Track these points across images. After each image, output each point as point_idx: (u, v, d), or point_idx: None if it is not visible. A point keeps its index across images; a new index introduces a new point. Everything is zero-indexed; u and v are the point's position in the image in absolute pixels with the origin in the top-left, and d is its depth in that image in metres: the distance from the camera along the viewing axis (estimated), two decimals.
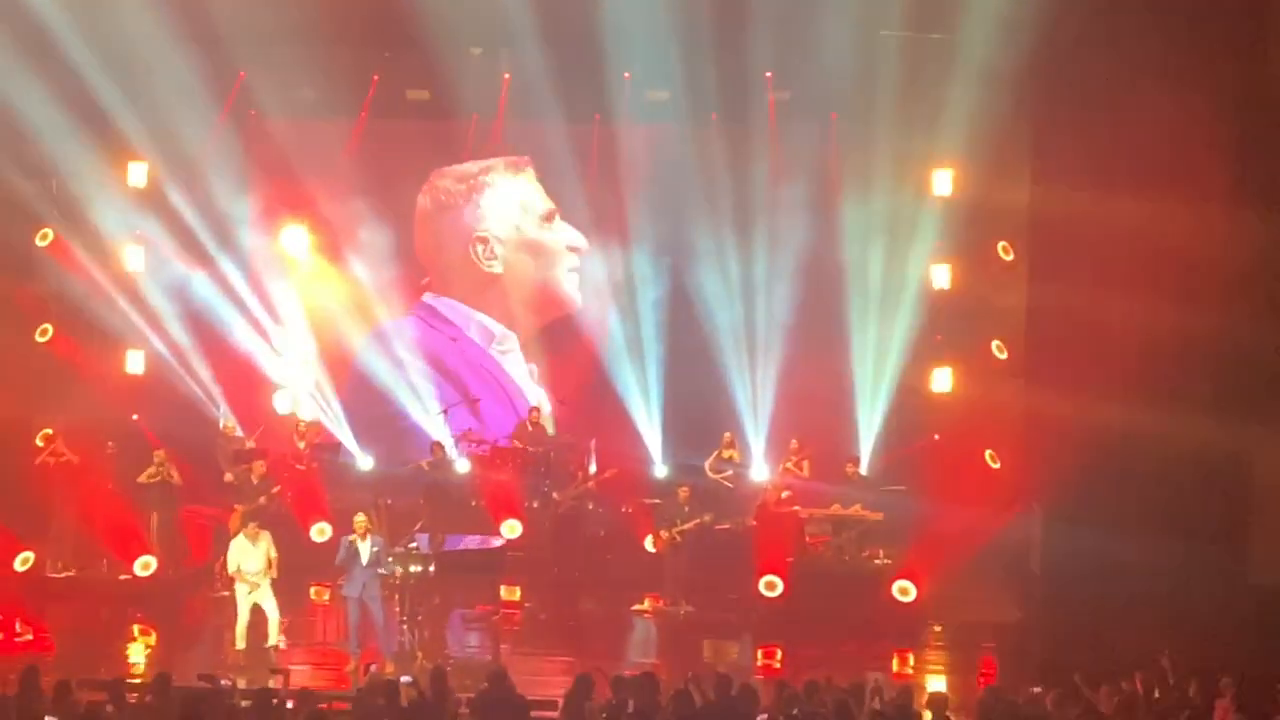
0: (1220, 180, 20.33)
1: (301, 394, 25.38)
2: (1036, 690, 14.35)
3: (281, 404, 25.51)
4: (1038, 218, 22.41)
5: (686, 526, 21.31)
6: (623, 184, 25.56)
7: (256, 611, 18.57)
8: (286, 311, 25.38)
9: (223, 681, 15.41)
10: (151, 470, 21.98)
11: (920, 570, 20.98)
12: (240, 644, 18.45)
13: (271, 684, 16.02)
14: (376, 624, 18.21)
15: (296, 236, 25.50)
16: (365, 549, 18.09)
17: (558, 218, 26.23)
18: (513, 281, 26.44)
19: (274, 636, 18.52)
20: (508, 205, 26.38)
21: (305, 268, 25.62)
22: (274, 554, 18.71)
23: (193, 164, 24.38)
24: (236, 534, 20.41)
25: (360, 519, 18.33)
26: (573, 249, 26.23)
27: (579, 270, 26.28)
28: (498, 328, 26.47)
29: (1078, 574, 20.64)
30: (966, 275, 23.69)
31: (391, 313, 25.83)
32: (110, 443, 22.68)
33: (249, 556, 18.60)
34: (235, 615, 18.70)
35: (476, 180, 26.35)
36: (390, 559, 18.78)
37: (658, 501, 22.63)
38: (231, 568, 18.72)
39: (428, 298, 26.45)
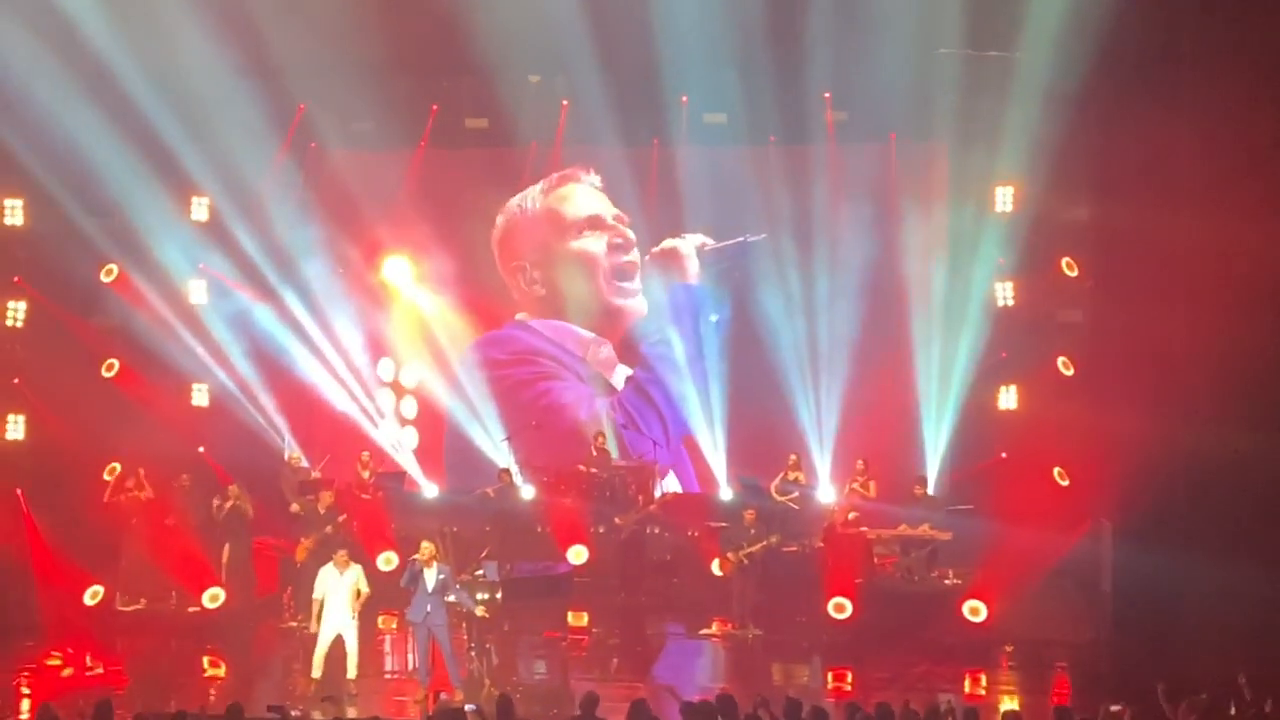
0: None
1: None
2: (1115, 709, 14.17)
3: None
4: (1101, 233, 22.27)
5: (753, 549, 21.22)
6: (682, 207, 25.59)
7: (336, 643, 18.53)
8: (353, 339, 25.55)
9: (293, 713, 15.46)
10: (228, 503, 22.10)
11: (990, 590, 20.80)
12: (316, 673, 18.40)
13: (351, 712, 16.13)
14: (444, 652, 18.17)
15: (398, 267, 25.66)
16: (431, 576, 18.07)
17: (609, 220, 26.24)
18: (565, 299, 26.50)
19: (352, 669, 18.48)
20: (536, 227, 26.41)
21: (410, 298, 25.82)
22: (365, 589, 18.63)
23: (254, 197, 24.55)
24: (304, 565, 20.61)
25: (427, 546, 18.31)
26: (617, 245, 26.28)
27: (630, 273, 26.32)
28: (587, 334, 26.63)
29: (1149, 593, 20.36)
30: (1030, 292, 23.57)
31: (455, 339, 25.85)
32: (185, 476, 22.81)
33: (336, 586, 18.56)
34: (312, 645, 18.66)
35: (511, 209, 26.44)
36: (458, 586, 18.76)
37: (724, 525, 22.56)
38: (317, 594, 18.66)
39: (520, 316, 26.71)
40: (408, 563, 18.51)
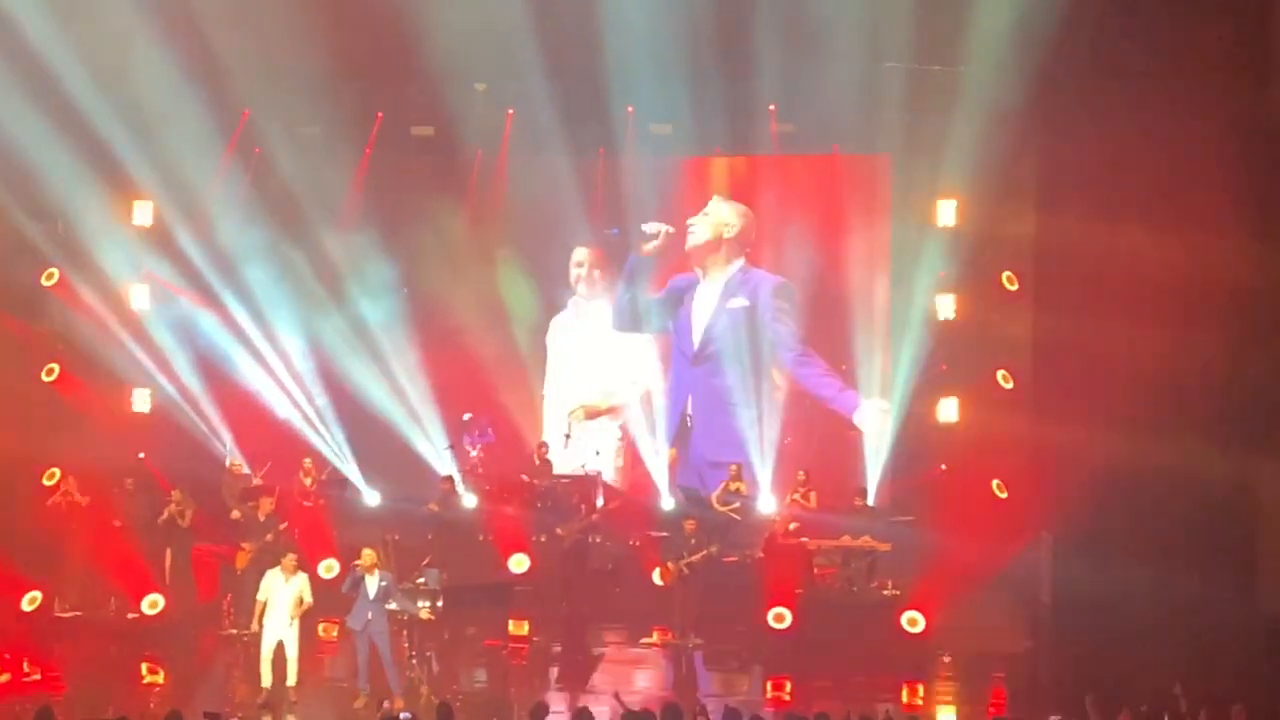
0: (1224, 208, 20.26)
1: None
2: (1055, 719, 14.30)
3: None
4: (1042, 247, 22.40)
5: (694, 558, 21.26)
6: (626, 216, 25.67)
7: (278, 649, 18.43)
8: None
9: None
10: (170, 509, 22.00)
11: (929, 601, 20.91)
12: (266, 681, 18.27)
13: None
14: (384, 659, 18.13)
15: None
16: (372, 583, 18.04)
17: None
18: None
19: (292, 676, 18.38)
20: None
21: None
22: (308, 599, 18.51)
23: (198, 202, 24.44)
24: (243, 571, 20.58)
25: (368, 553, 18.27)
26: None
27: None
28: None
29: (1088, 603, 20.51)
30: (971, 305, 23.76)
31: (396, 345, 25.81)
32: (129, 480, 22.69)
33: (280, 591, 18.47)
34: (255, 652, 18.55)
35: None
36: (399, 595, 18.72)
37: (664, 534, 22.60)
38: (261, 596, 18.55)
39: None
40: (349, 569, 18.47)
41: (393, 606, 18.46)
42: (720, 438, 25.39)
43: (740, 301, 25.75)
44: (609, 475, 25.36)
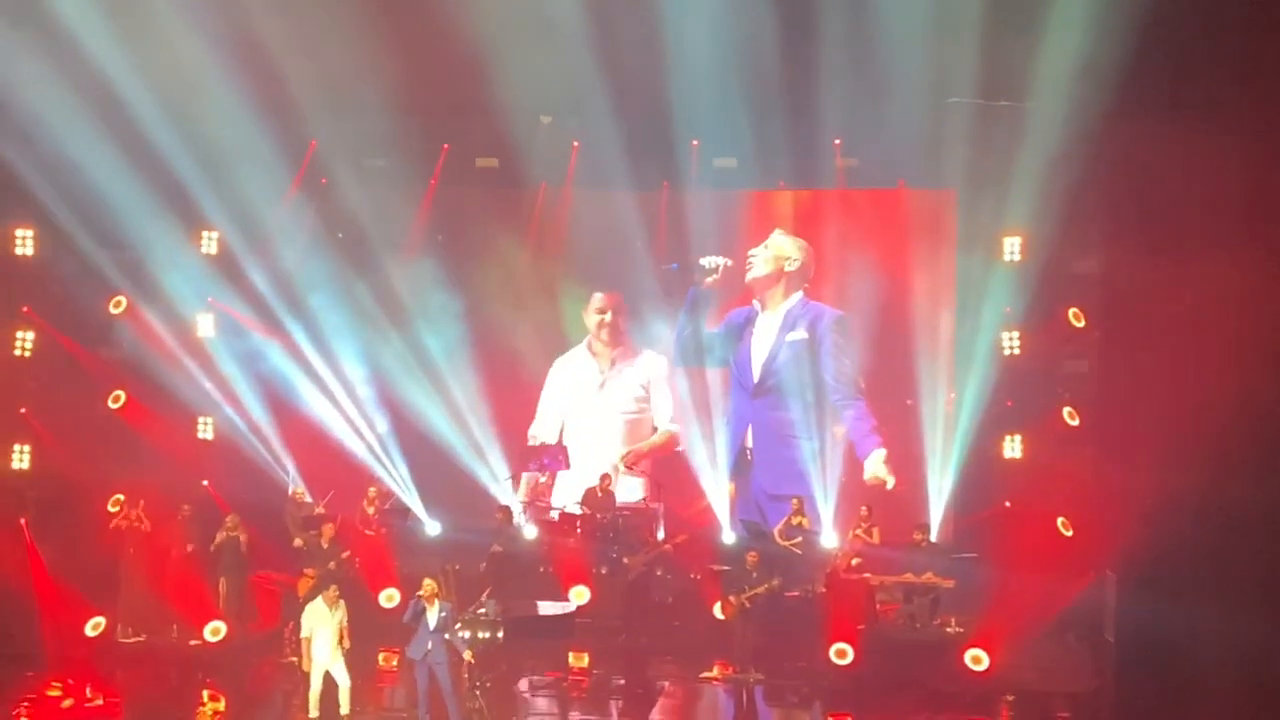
0: None
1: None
2: None
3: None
4: (1108, 284, 22.29)
5: (756, 591, 21.20)
6: (689, 250, 25.69)
7: (328, 679, 18.51)
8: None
9: None
10: (222, 535, 22.14)
11: (993, 639, 20.74)
12: (314, 712, 18.37)
13: None
14: (444, 690, 18.11)
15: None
16: (433, 613, 18.05)
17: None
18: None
19: (345, 705, 18.42)
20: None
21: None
22: (345, 622, 18.62)
23: (264, 232, 24.62)
24: (306, 600, 20.59)
25: (429, 583, 18.28)
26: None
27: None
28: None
29: (1153, 643, 20.29)
30: (1037, 341, 23.61)
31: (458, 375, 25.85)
32: (186, 506, 22.83)
33: (324, 622, 18.56)
34: (307, 683, 18.61)
35: None
36: (458, 628, 18.72)
37: (726, 568, 22.53)
38: (305, 631, 18.67)
39: None
40: (410, 599, 18.47)
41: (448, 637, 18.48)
42: (781, 470, 25.31)
43: (800, 334, 25.71)
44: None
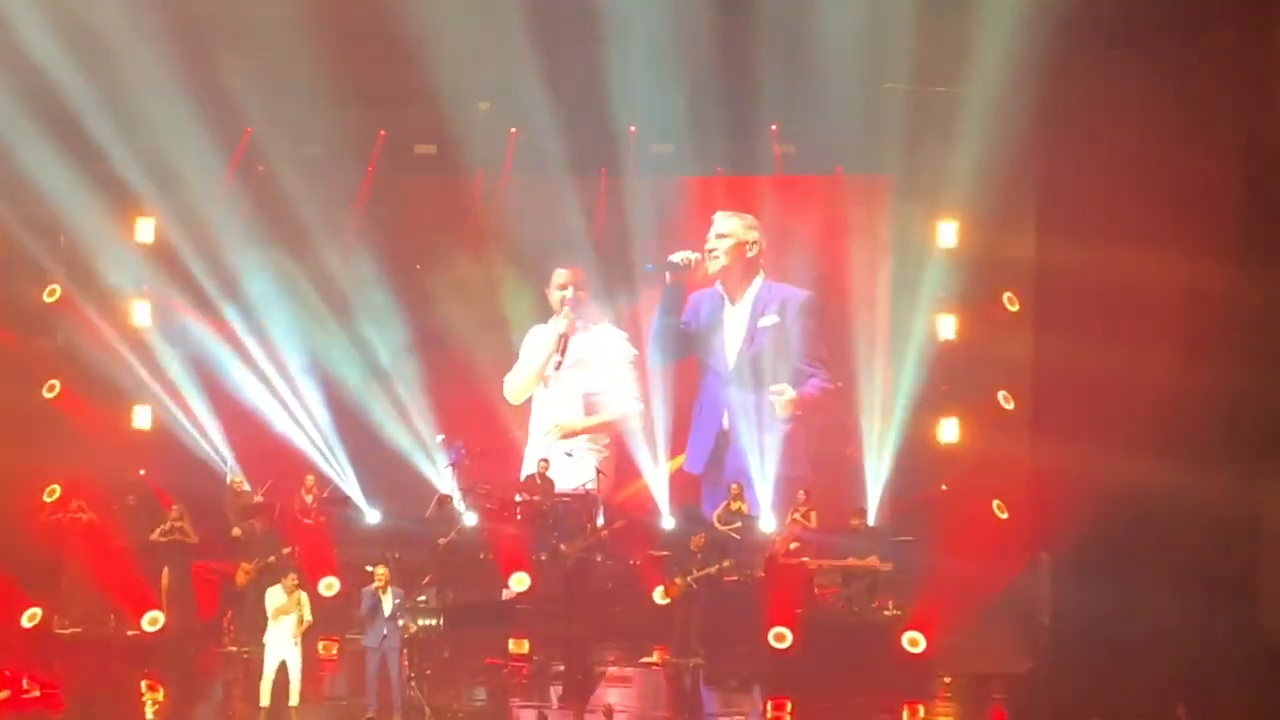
0: (1226, 230, 20.37)
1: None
2: None
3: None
4: (1043, 269, 22.48)
5: (706, 572, 21.31)
6: (629, 235, 25.70)
7: (280, 669, 18.40)
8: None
9: None
10: (166, 525, 22.03)
11: (930, 621, 20.88)
12: (264, 701, 18.26)
13: None
14: (392, 676, 18.13)
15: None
16: (388, 600, 18.08)
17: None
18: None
19: (295, 696, 18.30)
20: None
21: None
22: (308, 617, 18.47)
23: (200, 219, 24.45)
24: (243, 588, 20.66)
25: (381, 571, 18.28)
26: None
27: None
28: None
29: (1088, 624, 20.56)
30: (972, 326, 23.77)
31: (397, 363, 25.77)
32: (130, 496, 22.70)
33: (285, 609, 18.38)
34: (255, 668, 18.55)
35: None
36: (405, 612, 18.76)
37: (666, 553, 22.60)
38: (270, 613, 18.52)
39: None
40: (363, 593, 18.43)
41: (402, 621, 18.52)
42: (765, 455, 25.27)
43: (771, 319, 25.69)
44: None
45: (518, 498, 24.45)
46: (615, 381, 26.57)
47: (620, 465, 26.06)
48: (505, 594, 22.64)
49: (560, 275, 26.51)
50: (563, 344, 26.47)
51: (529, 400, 26.69)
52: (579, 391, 26.69)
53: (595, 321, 26.70)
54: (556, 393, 26.66)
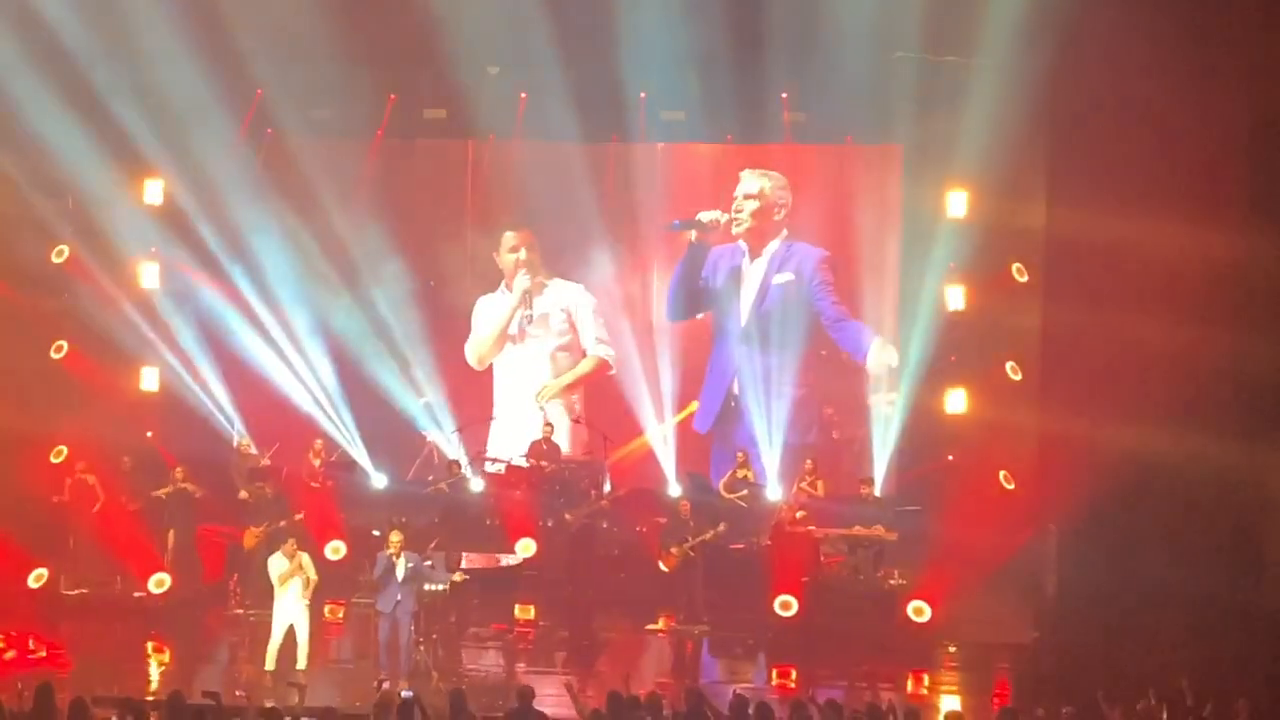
0: (1236, 200, 20.31)
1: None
2: (1068, 710, 14.28)
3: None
4: (1052, 239, 22.38)
5: (702, 539, 21.34)
6: (637, 202, 25.64)
7: (289, 633, 18.42)
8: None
9: (237, 693, 15.95)
10: (169, 487, 22.06)
11: (935, 590, 20.95)
12: (270, 664, 18.33)
13: (294, 699, 16.22)
14: (402, 642, 18.19)
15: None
16: (401, 566, 18.14)
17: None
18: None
19: (303, 660, 18.33)
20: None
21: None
22: (313, 576, 18.59)
23: (209, 181, 24.41)
24: (250, 551, 20.71)
25: (396, 537, 18.36)
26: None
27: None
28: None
29: (1093, 595, 20.59)
30: (981, 296, 23.67)
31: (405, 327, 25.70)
32: (126, 458, 22.72)
33: (290, 573, 18.46)
34: (267, 634, 18.55)
35: None
36: (430, 566, 19.00)
37: (663, 520, 22.62)
38: (275, 579, 18.54)
39: None
40: (378, 558, 18.50)
41: (429, 587, 18.64)
42: (775, 420, 25.20)
43: (787, 276, 25.54)
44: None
45: (525, 462, 24.41)
46: (583, 331, 26.43)
47: (616, 421, 25.79)
48: (510, 559, 22.68)
49: (510, 238, 26.24)
50: (528, 299, 26.30)
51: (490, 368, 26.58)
52: (546, 350, 26.49)
53: (547, 279, 26.51)
54: (528, 353, 26.45)
